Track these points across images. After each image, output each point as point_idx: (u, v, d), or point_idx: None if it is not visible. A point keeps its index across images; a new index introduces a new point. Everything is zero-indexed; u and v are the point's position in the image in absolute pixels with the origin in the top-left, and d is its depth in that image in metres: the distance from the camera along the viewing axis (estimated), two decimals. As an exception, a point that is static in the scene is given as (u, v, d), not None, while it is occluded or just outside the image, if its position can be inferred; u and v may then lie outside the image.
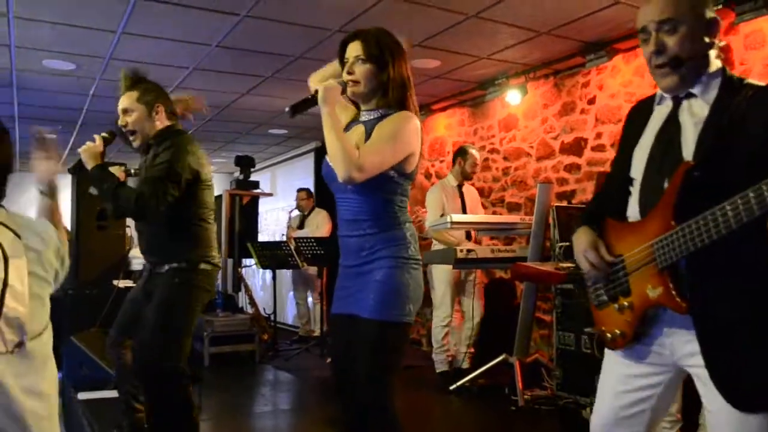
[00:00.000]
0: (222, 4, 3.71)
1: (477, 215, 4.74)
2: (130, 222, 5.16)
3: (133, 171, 2.78)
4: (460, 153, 4.72)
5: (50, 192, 1.92)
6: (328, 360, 5.34)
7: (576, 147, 4.83)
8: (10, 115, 6.52)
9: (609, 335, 1.56)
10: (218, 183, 9.13)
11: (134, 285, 4.63)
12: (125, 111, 2.58)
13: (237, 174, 6.79)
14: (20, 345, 1.44)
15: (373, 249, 1.88)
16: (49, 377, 1.55)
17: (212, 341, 5.33)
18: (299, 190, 6.78)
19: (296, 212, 6.82)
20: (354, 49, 1.92)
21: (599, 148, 4.64)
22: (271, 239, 8.64)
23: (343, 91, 1.90)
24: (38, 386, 1.49)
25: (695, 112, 1.44)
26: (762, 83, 1.42)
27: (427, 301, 5.14)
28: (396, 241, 1.89)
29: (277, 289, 6.57)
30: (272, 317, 6.30)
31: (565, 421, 3.60)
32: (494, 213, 5.53)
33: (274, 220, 9.57)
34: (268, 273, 6.92)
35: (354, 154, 1.77)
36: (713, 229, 1.27)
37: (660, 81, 1.48)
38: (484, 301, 4.76)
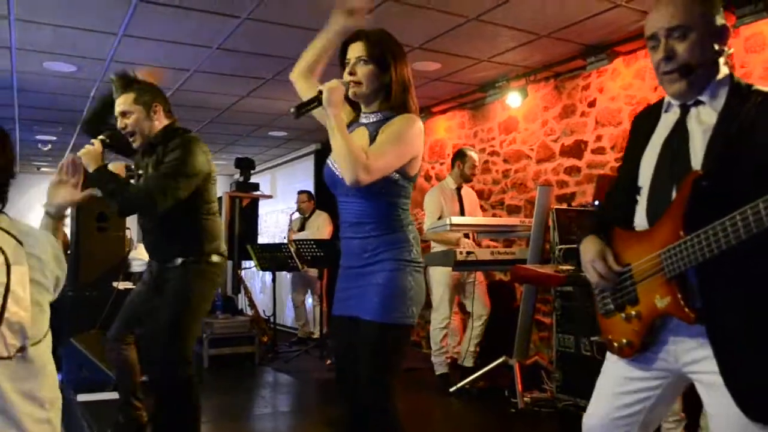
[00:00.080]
0: (223, 7, 3.71)
1: (476, 218, 4.74)
2: (129, 224, 5.17)
3: (134, 167, 2.79)
4: (459, 156, 4.72)
5: (58, 215, 1.93)
6: (328, 362, 5.37)
7: (576, 149, 4.84)
8: (10, 117, 6.52)
9: (616, 344, 1.56)
10: (218, 185, 9.13)
11: (133, 287, 4.65)
12: (123, 114, 2.59)
13: (237, 176, 6.79)
14: (22, 350, 1.45)
15: (375, 251, 1.88)
16: (49, 383, 1.55)
17: (212, 343, 5.32)
18: (300, 193, 6.77)
19: (297, 215, 6.82)
20: (356, 50, 1.92)
21: (599, 150, 4.64)
22: (271, 241, 8.64)
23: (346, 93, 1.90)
24: (37, 391, 1.49)
25: (703, 120, 1.43)
26: None
27: (427, 302, 5.15)
28: (398, 244, 1.89)
29: (276, 291, 6.57)
30: (272, 319, 6.29)
31: (565, 424, 3.60)
32: (494, 215, 5.53)
33: (273, 222, 9.57)
34: (268, 275, 6.92)
35: (361, 157, 1.76)
36: (723, 240, 1.26)
37: (668, 87, 1.47)
38: (488, 299, 4.75)
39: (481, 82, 5.34)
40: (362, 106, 2.00)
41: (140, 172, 2.75)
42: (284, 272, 6.92)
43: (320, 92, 1.80)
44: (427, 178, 6.40)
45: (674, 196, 1.41)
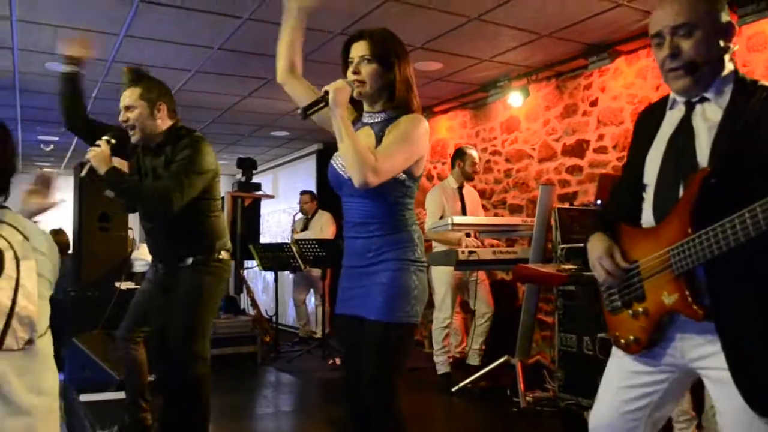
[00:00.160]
0: (224, 7, 3.72)
1: (478, 217, 4.74)
2: (132, 224, 5.18)
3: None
4: (458, 155, 4.73)
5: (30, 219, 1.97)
6: (330, 362, 5.37)
7: (578, 149, 4.83)
8: (12, 118, 6.53)
9: (623, 341, 1.56)
10: (221, 185, 9.13)
11: (136, 287, 4.66)
12: (127, 107, 2.59)
13: (239, 176, 6.79)
14: (30, 342, 1.48)
15: (379, 251, 1.88)
16: (51, 376, 1.59)
17: (214, 343, 5.24)
18: (302, 193, 6.77)
19: (300, 215, 6.82)
20: (359, 49, 1.91)
21: (601, 150, 4.64)
22: (273, 241, 8.64)
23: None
24: (41, 383, 1.52)
25: (708, 117, 1.43)
26: None
27: (429, 302, 5.14)
28: (402, 244, 1.89)
29: (279, 290, 6.58)
30: (274, 319, 6.30)
31: (567, 423, 3.59)
32: (496, 215, 5.53)
33: (275, 222, 9.57)
34: (270, 275, 6.92)
35: (370, 158, 1.76)
36: (731, 237, 1.26)
37: (673, 83, 1.47)
38: (492, 297, 4.75)
39: (482, 81, 5.34)
40: (365, 106, 2.00)
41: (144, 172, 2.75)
42: (286, 272, 6.91)
43: (326, 93, 1.79)
44: (429, 177, 6.40)
45: (681, 194, 1.41)
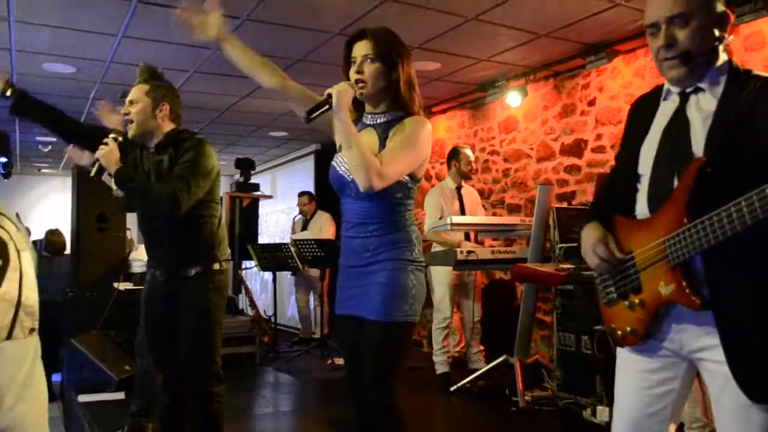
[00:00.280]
0: (222, 7, 3.71)
1: (476, 217, 4.74)
2: (130, 225, 5.18)
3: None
4: (453, 155, 4.73)
5: None
6: (329, 361, 5.37)
7: (576, 148, 4.84)
8: (11, 119, 6.52)
9: (619, 332, 1.56)
10: (220, 187, 9.13)
11: (134, 287, 4.66)
12: (131, 102, 2.58)
13: (237, 176, 6.80)
14: (32, 331, 1.49)
15: (377, 250, 1.88)
16: (39, 369, 1.60)
17: (213, 343, 5.31)
18: (300, 195, 6.76)
19: (299, 217, 6.82)
20: (362, 48, 1.89)
21: (599, 149, 4.64)
22: (271, 241, 8.64)
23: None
24: (32, 373, 1.54)
25: (703, 107, 1.43)
26: None
27: (428, 302, 5.15)
28: (400, 243, 1.89)
29: (277, 291, 6.58)
30: (272, 319, 6.30)
31: (566, 422, 3.60)
32: (494, 214, 5.53)
33: (274, 223, 9.57)
34: (269, 275, 6.92)
35: (375, 162, 1.76)
36: (728, 226, 1.26)
37: (667, 72, 1.46)
38: (481, 302, 4.77)
39: (480, 81, 5.34)
40: (367, 106, 1.98)
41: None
42: (285, 272, 6.91)
43: (329, 96, 1.77)
44: (428, 178, 6.40)
45: (676, 184, 1.41)
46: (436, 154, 6.36)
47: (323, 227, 6.48)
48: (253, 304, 6.35)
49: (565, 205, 4.44)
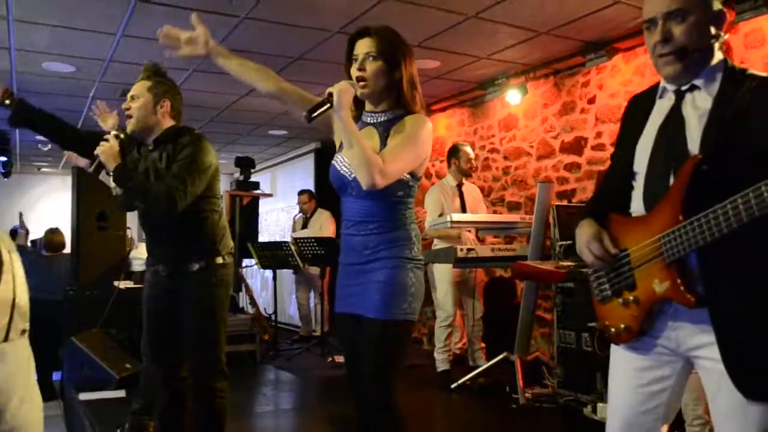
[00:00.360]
0: (221, 6, 3.71)
1: (477, 215, 4.74)
2: (130, 223, 5.18)
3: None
4: (452, 152, 4.74)
5: None
6: (329, 359, 5.38)
7: (576, 146, 4.84)
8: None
9: (613, 330, 1.56)
10: (220, 183, 9.14)
11: (135, 286, 4.66)
12: (132, 97, 2.57)
13: (237, 175, 6.79)
14: (24, 332, 1.50)
15: (377, 248, 1.88)
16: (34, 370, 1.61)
17: (213, 342, 5.32)
18: (300, 193, 6.77)
19: (300, 215, 6.82)
20: (365, 46, 1.89)
21: (599, 147, 4.65)
22: (272, 240, 8.65)
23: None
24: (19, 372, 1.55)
25: (698, 105, 1.44)
26: (764, 74, 1.42)
27: (428, 300, 5.15)
28: (400, 242, 1.89)
29: (277, 289, 6.58)
30: (273, 317, 6.30)
31: (566, 419, 3.61)
32: (494, 212, 5.53)
33: (274, 221, 9.58)
34: (269, 273, 6.93)
35: (377, 161, 1.75)
36: (723, 223, 1.26)
37: (662, 69, 1.47)
38: (483, 300, 4.77)
39: (480, 79, 5.34)
40: (368, 105, 1.98)
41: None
42: (285, 270, 6.92)
43: (330, 95, 1.77)
44: (428, 176, 6.40)
45: (672, 182, 1.42)
46: (436, 152, 6.36)
47: (323, 225, 6.48)
48: (253, 302, 6.35)
49: (565, 202, 4.44)
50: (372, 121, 1.96)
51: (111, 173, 2.42)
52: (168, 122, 2.59)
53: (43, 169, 10.41)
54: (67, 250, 5.62)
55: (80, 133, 2.95)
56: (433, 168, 6.41)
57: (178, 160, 2.45)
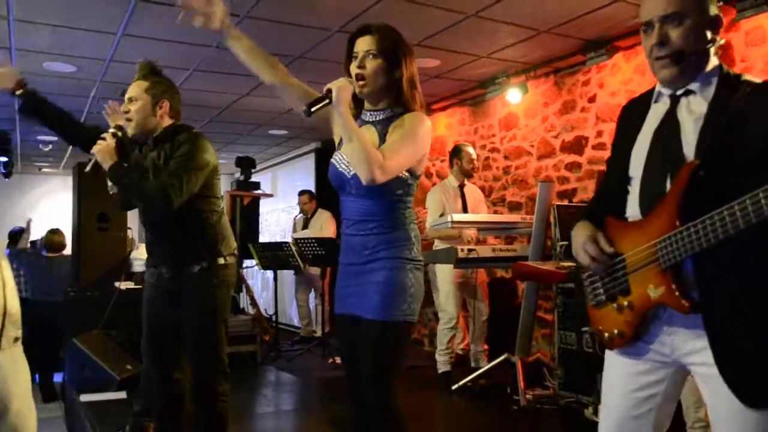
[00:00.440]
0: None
1: (477, 215, 4.73)
2: (131, 224, 5.18)
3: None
4: (455, 153, 4.72)
5: None
6: (330, 360, 5.37)
7: (577, 145, 4.83)
8: (11, 118, 6.53)
9: (607, 335, 1.56)
10: (221, 183, 9.13)
11: (135, 287, 4.66)
12: (131, 99, 2.56)
13: (238, 175, 6.79)
14: (17, 340, 1.49)
15: (376, 248, 1.88)
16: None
17: (214, 342, 5.31)
18: (301, 194, 6.76)
19: (300, 216, 6.81)
20: (365, 43, 1.88)
21: (600, 146, 4.63)
22: (272, 240, 8.64)
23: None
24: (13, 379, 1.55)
25: (694, 110, 1.44)
26: (758, 80, 1.42)
27: (429, 301, 5.14)
28: (399, 242, 1.89)
29: (278, 289, 6.57)
30: (274, 318, 6.30)
31: (568, 421, 3.60)
32: (495, 212, 5.52)
33: (274, 221, 9.57)
34: (270, 273, 6.93)
35: (377, 155, 1.75)
36: (720, 230, 1.26)
37: (658, 72, 1.47)
38: (488, 300, 4.76)
39: (480, 78, 5.33)
40: (367, 104, 1.97)
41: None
42: (286, 271, 6.92)
43: (329, 91, 1.76)
44: (428, 175, 6.39)
45: (668, 186, 1.41)
46: (436, 152, 6.35)
47: (324, 226, 6.47)
48: (254, 303, 6.35)
49: (565, 202, 4.43)
50: (371, 120, 1.95)
51: (106, 172, 2.41)
52: (167, 122, 2.58)
53: (44, 170, 10.41)
54: (68, 250, 5.62)
55: (85, 128, 2.94)
56: (434, 167, 6.40)
57: (175, 157, 2.44)
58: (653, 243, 1.41)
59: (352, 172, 1.86)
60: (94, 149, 2.43)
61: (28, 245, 6.62)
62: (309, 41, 4.31)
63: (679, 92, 1.47)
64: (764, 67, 3.57)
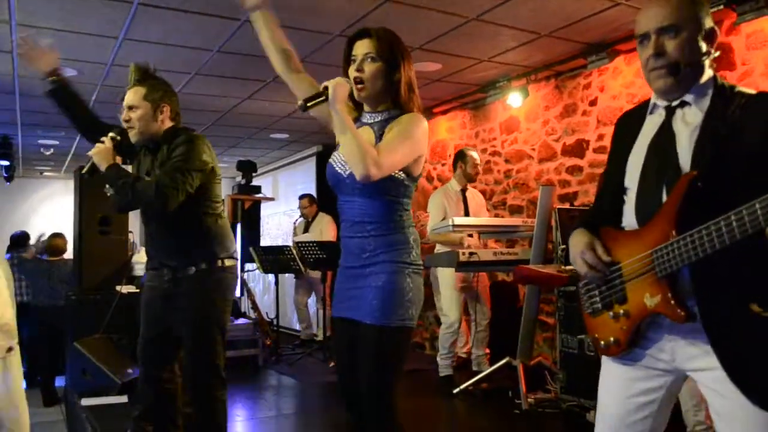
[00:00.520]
0: (222, 9, 3.71)
1: (478, 218, 4.73)
2: (132, 227, 5.17)
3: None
4: (459, 157, 4.73)
5: None
6: (331, 364, 5.36)
7: (578, 149, 4.83)
8: (12, 122, 6.54)
9: (603, 342, 1.56)
10: (221, 186, 9.13)
11: (137, 291, 4.66)
12: (130, 107, 2.56)
13: (239, 179, 6.82)
14: (10, 350, 1.48)
15: (375, 252, 1.87)
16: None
17: (215, 346, 5.31)
18: (301, 198, 6.76)
19: (301, 220, 6.81)
20: (364, 47, 1.88)
21: (601, 149, 4.63)
22: (273, 244, 8.64)
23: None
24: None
25: (689, 121, 1.45)
26: (753, 91, 1.43)
27: (430, 305, 5.14)
28: (398, 245, 1.88)
29: (279, 293, 6.57)
30: (275, 322, 6.29)
31: (569, 424, 3.59)
32: (496, 216, 5.52)
33: (276, 225, 9.57)
34: (271, 277, 6.93)
35: (372, 152, 1.75)
36: (716, 239, 1.26)
37: (654, 82, 1.48)
38: (490, 304, 4.76)
39: (481, 82, 5.33)
40: (366, 107, 1.98)
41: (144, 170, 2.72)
42: (287, 274, 6.91)
43: (326, 88, 1.77)
44: (429, 179, 6.39)
45: (664, 197, 1.42)
46: (437, 155, 6.35)
47: (324, 229, 6.47)
48: (255, 307, 6.34)
49: (567, 205, 4.43)
50: (369, 121, 1.96)
51: (103, 174, 2.41)
52: (168, 124, 2.58)
53: (46, 173, 10.42)
54: (69, 254, 5.62)
55: (102, 125, 2.93)
56: (435, 171, 6.40)
57: (172, 158, 2.45)
58: (649, 252, 1.41)
59: (348, 171, 1.86)
60: (92, 152, 2.44)
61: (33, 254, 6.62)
62: (310, 45, 4.31)
63: (674, 103, 1.49)
64: (765, 70, 3.57)
